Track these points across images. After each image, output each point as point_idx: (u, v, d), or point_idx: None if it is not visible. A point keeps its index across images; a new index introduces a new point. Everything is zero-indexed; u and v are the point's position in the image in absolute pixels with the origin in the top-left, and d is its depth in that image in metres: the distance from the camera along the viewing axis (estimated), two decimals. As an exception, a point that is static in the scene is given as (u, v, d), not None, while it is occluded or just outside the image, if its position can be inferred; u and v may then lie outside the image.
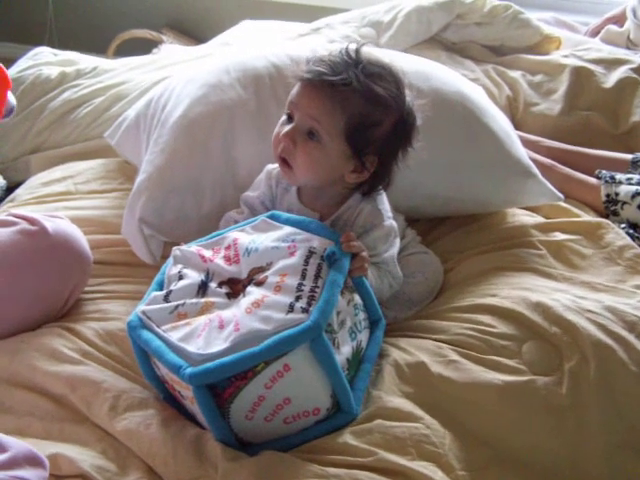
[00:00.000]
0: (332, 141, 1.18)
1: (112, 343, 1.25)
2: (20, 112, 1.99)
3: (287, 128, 1.20)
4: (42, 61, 2.15)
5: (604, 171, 1.76)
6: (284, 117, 1.23)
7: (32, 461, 0.91)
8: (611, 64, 2.15)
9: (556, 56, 2.24)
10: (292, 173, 1.22)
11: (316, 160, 1.20)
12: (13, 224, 1.30)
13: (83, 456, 1.05)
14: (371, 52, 1.23)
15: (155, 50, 2.97)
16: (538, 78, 2.16)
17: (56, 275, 1.30)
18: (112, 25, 3.44)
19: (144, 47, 3.00)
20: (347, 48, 1.20)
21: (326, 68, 1.17)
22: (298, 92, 1.20)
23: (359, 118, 1.17)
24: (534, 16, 2.38)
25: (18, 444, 0.92)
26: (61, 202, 1.62)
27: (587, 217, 1.62)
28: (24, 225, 1.30)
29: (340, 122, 1.17)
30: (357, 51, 1.20)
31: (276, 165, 1.30)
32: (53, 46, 2.33)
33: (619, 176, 1.73)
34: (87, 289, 1.40)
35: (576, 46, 2.32)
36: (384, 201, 1.31)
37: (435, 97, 1.49)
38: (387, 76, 1.21)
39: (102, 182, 1.71)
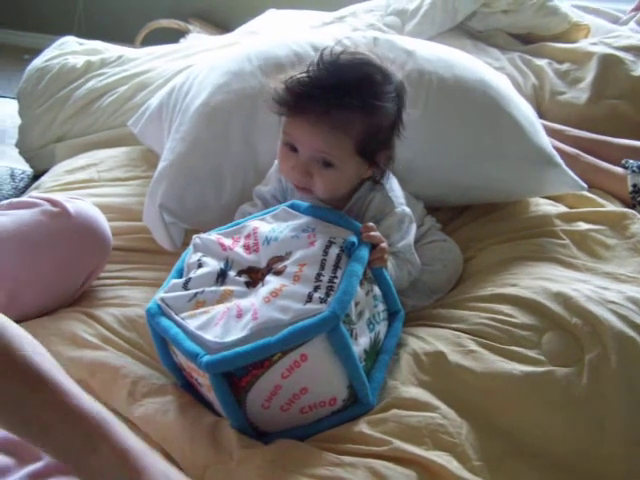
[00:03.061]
0: (346, 162, 1.18)
1: (132, 329, 1.26)
2: (46, 101, 2.02)
3: (296, 160, 1.18)
4: (68, 50, 2.17)
5: (631, 160, 1.74)
6: (283, 142, 1.19)
7: (63, 470, 0.92)
8: (641, 51, 2.12)
9: (584, 44, 2.22)
10: (312, 195, 1.22)
11: (336, 182, 1.20)
12: (35, 205, 1.32)
13: (101, 441, 1.05)
14: (348, 50, 1.17)
15: (182, 40, 2.99)
16: (565, 66, 2.14)
17: (77, 256, 1.31)
18: (140, 15, 3.48)
19: (171, 37, 3.02)
20: (323, 60, 1.14)
21: (315, 102, 1.12)
22: (294, 128, 1.16)
23: (365, 133, 1.16)
24: (565, 3, 2.34)
25: None
26: (84, 189, 1.64)
27: (612, 207, 1.59)
28: (46, 206, 1.31)
29: (349, 145, 1.16)
30: (338, 59, 1.15)
31: None
32: (81, 36, 2.34)
33: (646, 166, 1.71)
34: (108, 275, 1.41)
35: (606, 34, 2.28)
36: (394, 187, 1.29)
37: (458, 85, 1.49)
38: (375, 74, 1.16)
39: (125, 170, 1.73)
